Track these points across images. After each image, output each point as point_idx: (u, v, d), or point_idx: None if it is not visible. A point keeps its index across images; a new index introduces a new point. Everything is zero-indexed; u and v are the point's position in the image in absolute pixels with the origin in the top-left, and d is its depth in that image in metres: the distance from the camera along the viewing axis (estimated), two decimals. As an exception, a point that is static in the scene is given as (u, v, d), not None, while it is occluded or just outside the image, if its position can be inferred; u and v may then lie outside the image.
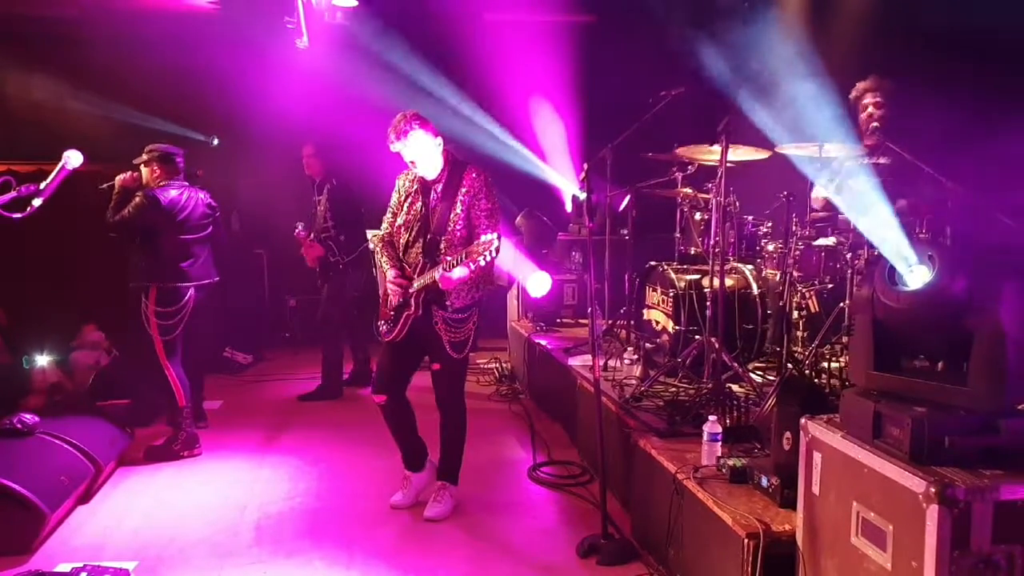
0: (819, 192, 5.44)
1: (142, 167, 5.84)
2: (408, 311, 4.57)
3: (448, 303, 4.51)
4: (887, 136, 5.00)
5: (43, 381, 6.66)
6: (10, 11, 8.45)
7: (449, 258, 4.30)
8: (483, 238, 4.27)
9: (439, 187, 4.59)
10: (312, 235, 7.40)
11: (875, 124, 5.12)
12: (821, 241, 5.25)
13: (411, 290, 4.54)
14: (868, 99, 5.33)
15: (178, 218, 5.77)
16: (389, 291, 4.66)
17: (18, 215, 3.64)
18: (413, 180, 4.70)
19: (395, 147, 4.50)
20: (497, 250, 4.30)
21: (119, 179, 5.77)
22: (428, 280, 4.43)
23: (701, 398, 4.86)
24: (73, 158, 3.92)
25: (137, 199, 5.67)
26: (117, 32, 8.71)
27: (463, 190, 4.52)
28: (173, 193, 5.78)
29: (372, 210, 6.97)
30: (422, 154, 4.50)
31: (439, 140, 4.55)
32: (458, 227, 4.50)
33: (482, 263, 4.28)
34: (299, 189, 7.91)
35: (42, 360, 6.84)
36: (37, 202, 3.70)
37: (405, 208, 4.67)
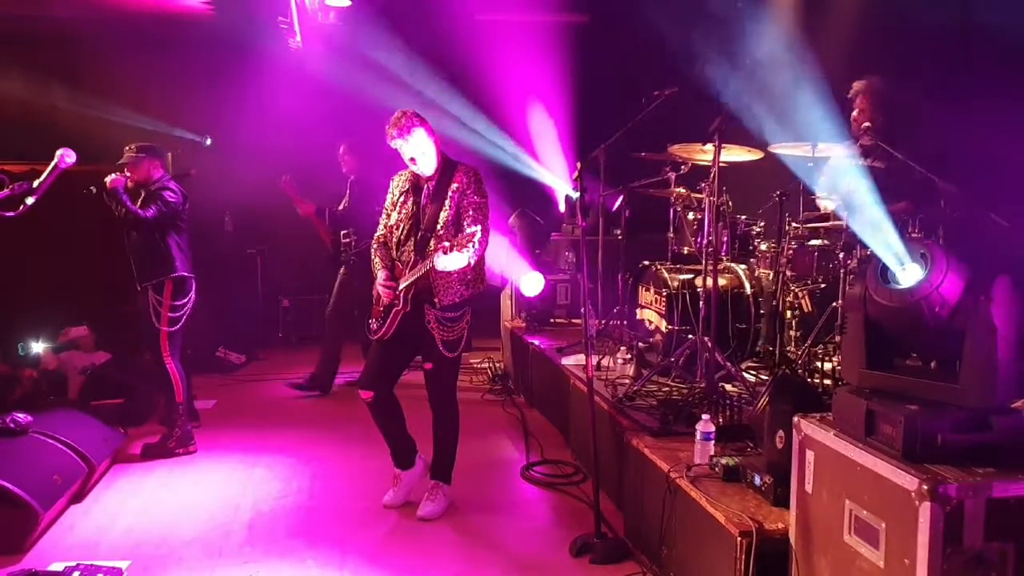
0: (826, 204, 5.38)
1: (134, 167, 5.80)
2: (397, 307, 4.58)
3: (436, 300, 4.51)
4: (879, 136, 5.00)
5: (42, 368, 6.65)
6: (4, 11, 8.42)
7: (447, 243, 4.28)
8: (467, 230, 4.31)
9: (431, 185, 4.60)
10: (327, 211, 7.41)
11: (867, 124, 5.12)
12: (814, 241, 5.27)
13: (400, 287, 4.55)
14: (858, 102, 5.33)
15: (185, 206, 5.88)
16: (380, 291, 4.67)
17: (11, 213, 3.63)
18: (406, 180, 4.71)
19: (395, 144, 4.52)
20: (481, 243, 4.36)
21: (109, 180, 5.63)
22: (420, 272, 4.44)
23: (694, 397, 4.89)
24: (66, 157, 3.92)
25: (161, 196, 5.69)
26: (110, 32, 8.69)
27: (454, 187, 4.54)
28: (172, 183, 5.84)
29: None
30: (422, 152, 4.52)
31: (435, 139, 4.57)
32: (448, 225, 4.50)
33: (467, 254, 4.31)
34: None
35: (38, 347, 6.83)
36: (30, 200, 3.69)
37: (397, 207, 4.69)
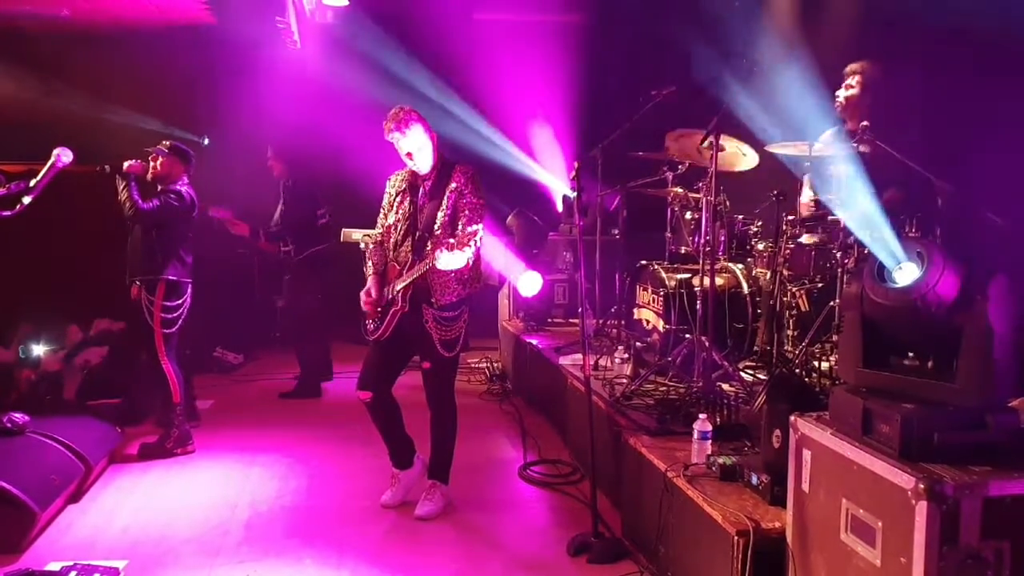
0: (806, 195, 5.42)
1: (158, 158, 5.79)
2: (395, 307, 4.58)
3: (434, 299, 4.52)
4: (873, 133, 4.97)
5: (39, 372, 6.63)
6: (2, 11, 8.41)
7: (451, 240, 4.30)
8: (467, 229, 4.33)
9: (428, 185, 4.61)
10: (261, 232, 7.38)
11: (864, 124, 5.03)
12: (812, 240, 5.26)
13: (398, 287, 4.55)
14: (854, 81, 5.29)
15: (192, 214, 5.86)
16: (361, 300, 4.68)
17: (8, 212, 3.63)
18: (402, 180, 4.72)
19: (392, 138, 4.51)
20: (480, 241, 4.37)
21: (127, 165, 5.65)
22: (420, 272, 4.43)
23: (691, 396, 4.88)
24: (63, 156, 3.92)
25: (166, 196, 5.69)
26: (109, 32, 8.68)
27: (451, 187, 4.54)
28: (186, 189, 5.83)
29: (362, 209, 6.98)
30: (419, 148, 4.52)
31: (432, 137, 4.57)
32: (446, 225, 4.50)
33: (468, 254, 4.32)
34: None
35: (39, 350, 6.82)
36: (27, 199, 3.69)
37: (395, 207, 4.69)
